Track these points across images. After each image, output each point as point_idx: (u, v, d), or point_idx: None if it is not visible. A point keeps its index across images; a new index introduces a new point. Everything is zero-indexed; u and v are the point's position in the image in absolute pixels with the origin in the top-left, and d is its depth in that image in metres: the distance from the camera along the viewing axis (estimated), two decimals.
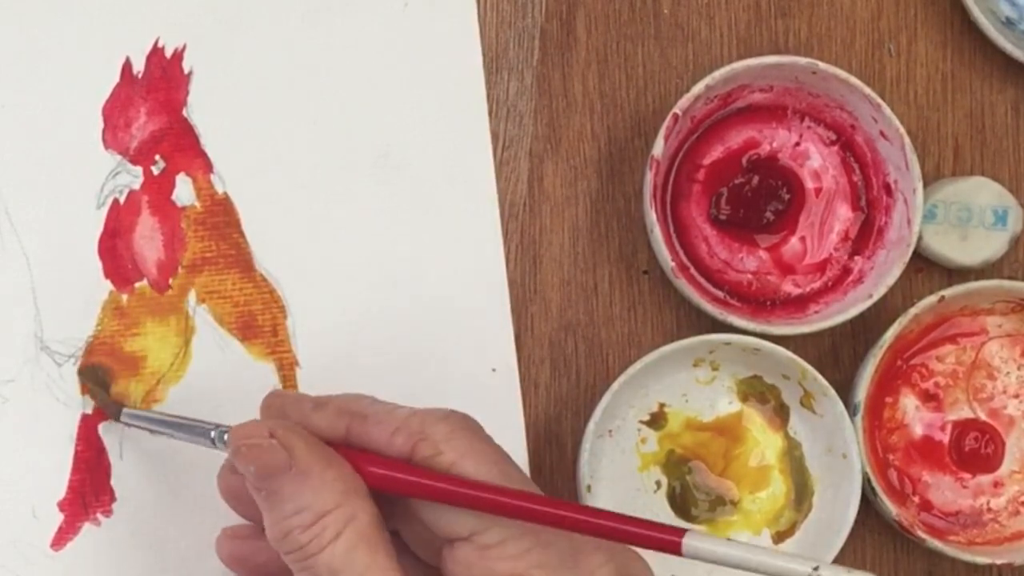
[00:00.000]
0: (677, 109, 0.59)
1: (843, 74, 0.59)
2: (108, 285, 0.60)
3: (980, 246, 0.62)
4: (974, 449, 0.62)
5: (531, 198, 0.62)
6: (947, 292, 0.60)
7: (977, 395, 0.63)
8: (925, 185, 0.59)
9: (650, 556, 0.61)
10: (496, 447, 0.48)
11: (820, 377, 0.59)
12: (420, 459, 0.46)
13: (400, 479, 0.46)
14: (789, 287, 0.62)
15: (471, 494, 0.45)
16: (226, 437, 0.50)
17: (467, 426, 0.48)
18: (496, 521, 0.45)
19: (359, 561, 0.45)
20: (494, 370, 0.61)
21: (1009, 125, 0.64)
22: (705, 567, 0.61)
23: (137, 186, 0.60)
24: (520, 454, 0.61)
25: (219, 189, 0.61)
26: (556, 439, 0.62)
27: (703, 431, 0.61)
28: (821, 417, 0.60)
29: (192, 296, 0.60)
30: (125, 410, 0.57)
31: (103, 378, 0.59)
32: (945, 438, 0.62)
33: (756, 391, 0.61)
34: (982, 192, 0.62)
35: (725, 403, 0.62)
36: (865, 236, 0.62)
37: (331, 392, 0.60)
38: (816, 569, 0.42)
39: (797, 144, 0.62)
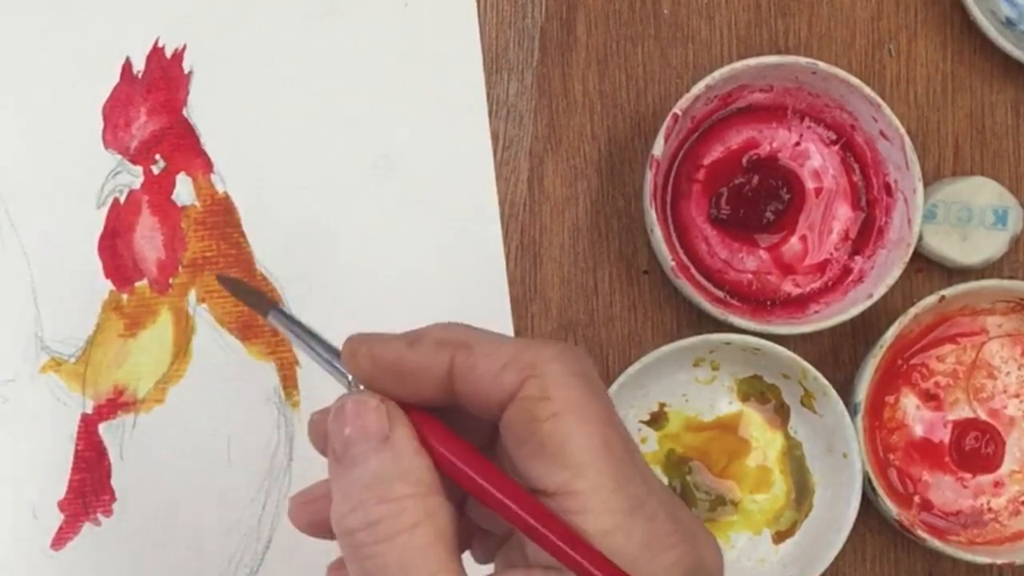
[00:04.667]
0: (677, 109, 0.59)
1: (843, 74, 0.59)
2: (108, 285, 0.60)
3: (980, 246, 0.62)
4: (974, 449, 0.62)
5: (531, 198, 0.62)
6: (947, 292, 0.60)
7: (977, 395, 0.63)
8: (925, 185, 0.59)
9: None
10: (604, 402, 0.42)
11: (820, 377, 0.59)
12: (524, 398, 0.41)
13: (464, 474, 0.42)
14: (789, 287, 0.62)
15: (520, 516, 0.41)
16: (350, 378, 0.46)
17: (581, 371, 0.42)
18: (592, 484, 0.41)
19: (434, 560, 0.40)
20: None
21: (1009, 125, 0.64)
22: None
23: (137, 186, 0.60)
24: None
25: (219, 189, 0.61)
26: None
27: (703, 431, 0.61)
28: (821, 417, 0.60)
29: (192, 296, 0.60)
30: (275, 309, 0.50)
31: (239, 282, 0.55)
32: (945, 438, 0.62)
33: (756, 391, 0.61)
34: (982, 192, 0.62)
35: (725, 403, 0.62)
36: (865, 236, 0.62)
37: (332, 397, 0.60)
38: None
39: (797, 144, 0.62)
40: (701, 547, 0.43)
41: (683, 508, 0.44)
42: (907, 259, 0.59)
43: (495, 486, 0.41)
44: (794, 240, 0.62)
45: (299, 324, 0.48)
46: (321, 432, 0.46)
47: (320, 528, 0.47)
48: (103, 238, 0.60)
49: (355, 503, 0.42)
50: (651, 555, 0.41)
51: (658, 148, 0.59)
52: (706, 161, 0.62)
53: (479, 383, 0.42)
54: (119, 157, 0.60)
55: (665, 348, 0.59)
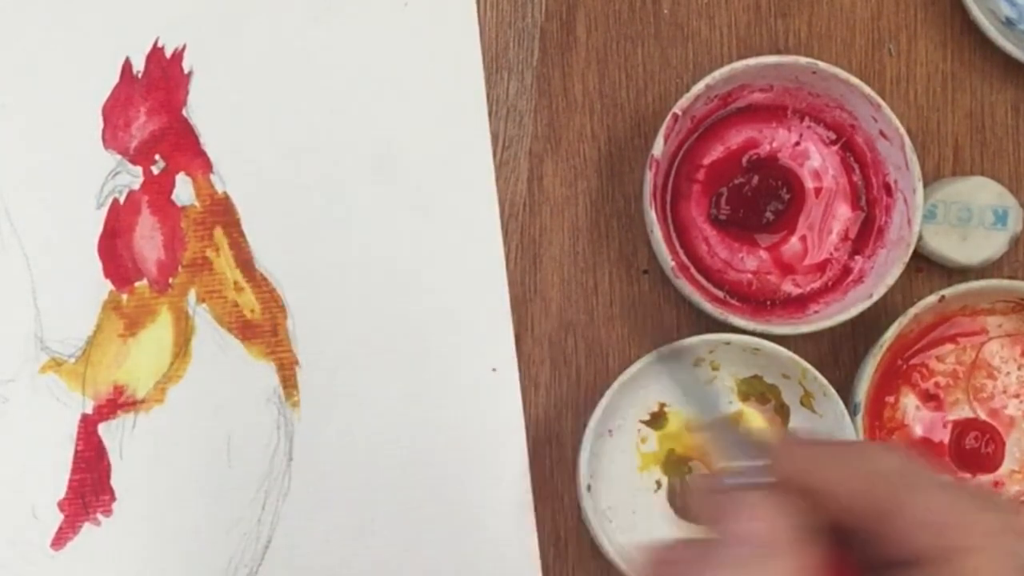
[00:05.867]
0: (677, 109, 0.59)
1: (843, 74, 0.59)
2: (108, 285, 0.60)
3: (980, 246, 0.62)
4: (974, 449, 0.62)
5: (531, 198, 0.62)
6: (947, 292, 0.60)
7: (977, 395, 0.63)
8: (925, 185, 0.59)
9: None
10: None
11: (820, 377, 0.59)
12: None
13: None
14: (789, 287, 0.62)
15: None
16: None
17: (1014, 564, 0.36)
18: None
19: None
20: (494, 370, 0.61)
21: (1009, 125, 0.64)
22: None
23: (137, 186, 0.60)
24: (520, 454, 0.61)
25: (219, 189, 0.61)
26: (556, 439, 0.62)
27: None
28: (821, 417, 0.60)
29: (192, 296, 0.60)
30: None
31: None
32: (945, 438, 0.62)
33: (756, 391, 0.61)
34: (982, 192, 0.62)
35: (725, 403, 0.62)
36: (865, 236, 0.62)
37: (333, 400, 0.60)
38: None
39: (797, 144, 0.62)
40: None
41: None
42: (907, 259, 0.59)
43: None
44: (794, 240, 0.62)
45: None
46: (704, 496, 0.40)
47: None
48: (103, 238, 0.60)
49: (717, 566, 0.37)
50: None
51: (658, 148, 0.59)
52: (706, 161, 0.62)
53: (895, 535, 0.37)
54: (119, 157, 0.60)
55: (665, 348, 0.59)
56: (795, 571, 0.36)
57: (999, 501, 0.38)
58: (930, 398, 0.62)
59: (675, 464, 0.61)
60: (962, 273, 0.62)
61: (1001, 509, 0.37)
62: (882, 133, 0.60)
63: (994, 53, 0.63)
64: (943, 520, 0.36)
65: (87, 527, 0.59)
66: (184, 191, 0.61)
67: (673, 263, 0.58)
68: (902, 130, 0.59)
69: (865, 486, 0.38)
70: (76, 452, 0.59)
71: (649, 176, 0.59)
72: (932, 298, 0.60)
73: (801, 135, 0.62)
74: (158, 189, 0.60)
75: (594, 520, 0.59)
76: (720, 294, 0.62)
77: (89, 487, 0.59)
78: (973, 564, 0.35)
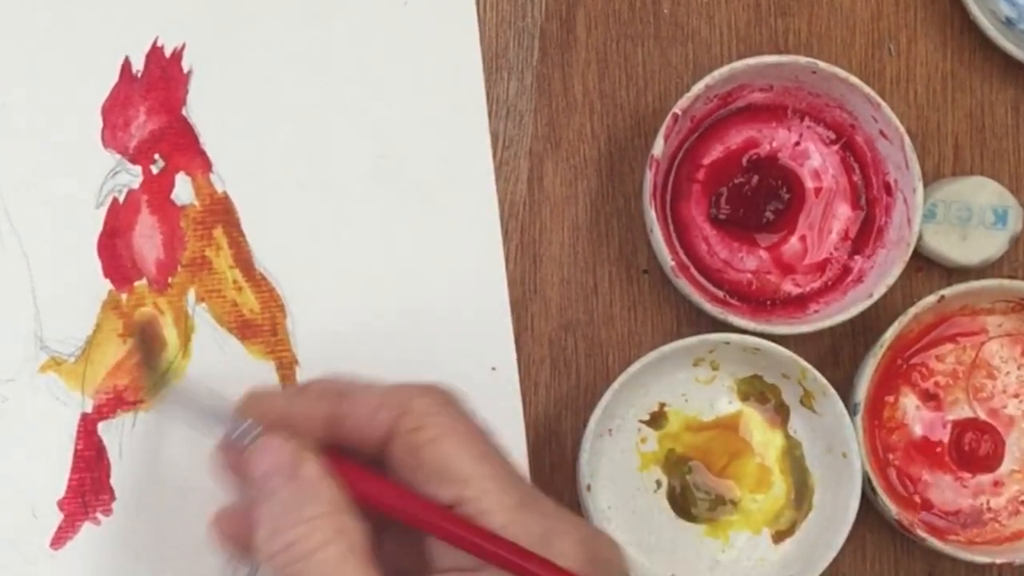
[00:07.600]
0: (677, 109, 0.59)
1: (843, 74, 0.59)
2: (108, 284, 0.60)
3: (980, 246, 0.62)
4: (974, 448, 0.62)
5: (531, 198, 0.62)
6: (947, 292, 0.60)
7: (977, 395, 0.63)
8: (925, 185, 0.59)
9: (655, 558, 0.61)
10: (475, 424, 0.48)
11: (820, 376, 0.59)
12: (403, 431, 0.47)
13: (383, 495, 0.47)
14: (789, 287, 0.62)
15: (448, 529, 0.46)
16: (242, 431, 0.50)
17: (448, 400, 0.48)
18: (481, 490, 0.46)
19: (350, 572, 0.45)
20: (494, 370, 0.61)
21: (1009, 125, 0.64)
22: (706, 565, 0.61)
23: (136, 185, 0.60)
24: (520, 454, 0.61)
25: (218, 188, 0.61)
26: (556, 439, 0.62)
27: (703, 430, 0.61)
28: (821, 416, 0.60)
29: (191, 295, 0.60)
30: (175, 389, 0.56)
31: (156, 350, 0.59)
32: (945, 438, 0.62)
33: (756, 390, 0.61)
34: (982, 192, 0.62)
35: (725, 403, 0.62)
36: (865, 235, 0.62)
37: None
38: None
39: (797, 144, 0.62)
40: (597, 541, 0.48)
41: (576, 516, 0.48)
42: (907, 259, 0.59)
43: (414, 506, 0.46)
44: (794, 240, 0.62)
45: (199, 402, 0.52)
46: (225, 466, 0.51)
47: (235, 542, 0.51)
48: (102, 238, 0.60)
49: (273, 529, 0.46)
50: (547, 542, 0.45)
51: (658, 148, 0.59)
52: (706, 161, 0.62)
53: (356, 426, 0.48)
54: (118, 157, 0.60)
55: (665, 348, 0.59)
56: (317, 476, 0.47)
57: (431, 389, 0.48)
58: (930, 398, 0.62)
59: (675, 464, 0.61)
60: (962, 273, 0.62)
61: (418, 382, 0.48)
62: (882, 133, 0.60)
63: (994, 53, 0.63)
64: (385, 399, 0.47)
65: (87, 527, 0.59)
66: (184, 190, 0.61)
67: (673, 263, 0.58)
68: (902, 130, 0.59)
69: (320, 404, 0.49)
70: (76, 451, 0.59)
71: (649, 176, 0.59)
72: (932, 298, 0.60)
73: (801, 135, 0.62)
74: (157, 188, 0.61)
75: (594, 520, 0.59)
76: (720, 294, 0.62)
77: (89, 486, 0.59)
78: (419, 406, 0.47)
